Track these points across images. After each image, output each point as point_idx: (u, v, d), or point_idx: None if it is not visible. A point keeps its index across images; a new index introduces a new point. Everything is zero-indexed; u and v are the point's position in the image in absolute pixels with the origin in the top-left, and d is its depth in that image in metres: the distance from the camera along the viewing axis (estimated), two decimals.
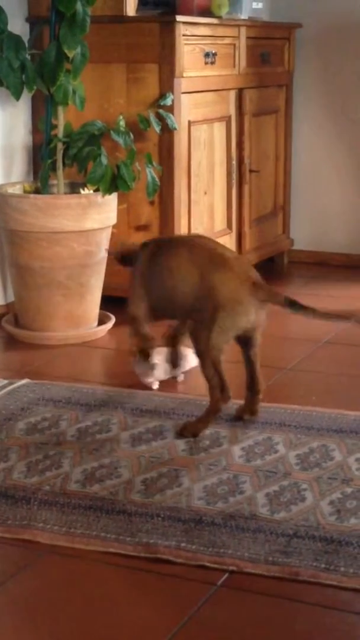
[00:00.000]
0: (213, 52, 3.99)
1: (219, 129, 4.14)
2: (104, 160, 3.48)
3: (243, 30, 4.24)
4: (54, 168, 3.61)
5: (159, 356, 2.96)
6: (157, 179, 3.65)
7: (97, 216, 3.52)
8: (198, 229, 4.01)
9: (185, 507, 2.29)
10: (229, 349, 2.69)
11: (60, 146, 3.58)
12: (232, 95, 4.23)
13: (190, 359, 3.00)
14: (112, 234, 3.69)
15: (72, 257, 3.51)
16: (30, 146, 3.97)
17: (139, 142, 3.68)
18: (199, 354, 2.66)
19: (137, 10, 3.83)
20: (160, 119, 3.68)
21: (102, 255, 3.59)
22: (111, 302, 3.81)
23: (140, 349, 2.91)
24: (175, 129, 3.73)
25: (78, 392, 3.02)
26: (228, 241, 4.28)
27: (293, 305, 2.59)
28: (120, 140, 3.54)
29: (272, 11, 4.66)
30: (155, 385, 3.07)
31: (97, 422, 2.78)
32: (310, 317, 2.63)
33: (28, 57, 3.49)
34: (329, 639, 1.84)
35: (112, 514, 2.26)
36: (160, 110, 3.69)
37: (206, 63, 3.96)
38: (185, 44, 3.78)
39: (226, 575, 2.03)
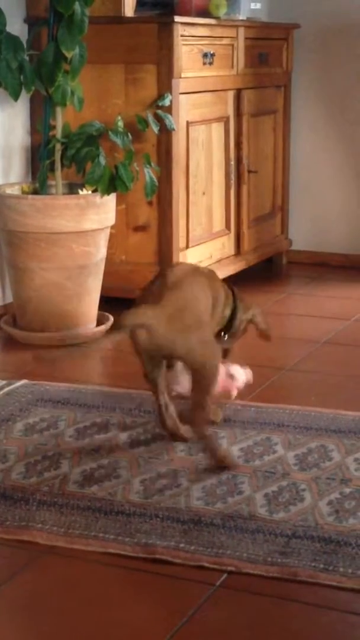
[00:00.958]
0: (211, 52, 3.99)
1: (217, 130, 4.14)
2: (103, 160, 3.48)
3: (241, 30, 4.24)
4: (52, 169, 3.61)
5: None
6: (155, 180, 3.66)
7: (96, 217, 3.52)
8: (196, 229, 4.01)
9: (184, 507, 2.28)
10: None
11: (58, 147, 3.58)
12: (231, 95, 4.23)
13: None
14: (111, 234, 3.69)
15: (71, 257, 3.51)
16: (28, 147, 3.97)
17: (137, 142, 3.68)
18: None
19: (135, 11, 3.83)
20: (159, 119, 3.68)
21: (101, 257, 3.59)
22: (109, 303, 3.81)
23: None
24: (173, 129, 3.73)
25: (76, 392, 3.02)
26: (227, 242, 4.29)
27: None
28: (119, 141, 3.54)
29: (270, 12, 4.66)
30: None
31: (95, 423, 2.78)
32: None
33: (26, 57, 3.49)
34: (327, 639, 1.84)
35: (111, 514, 2.26)
36: (159, 111, 3.69)
37: (204, 64, 3.96)
38: (184, 44, 3.78)
39: (225, 575, 2.03)
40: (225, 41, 4.13)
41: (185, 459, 2.53)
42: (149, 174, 3.63)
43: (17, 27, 3.77)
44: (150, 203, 3.83)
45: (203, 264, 3.92)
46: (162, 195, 3.80)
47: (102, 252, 3.62)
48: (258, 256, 4.57)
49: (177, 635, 1.83)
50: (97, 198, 3.52)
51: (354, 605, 1.92)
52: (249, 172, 4.40)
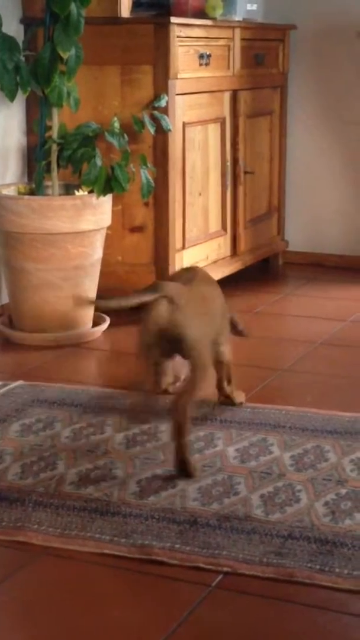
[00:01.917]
0: (207, 53, 3.99)
1: (213, 131, 4.14)
2: (99, 161, 3.48)
3: (237, 31, 4.24)
4: (48, 169, 3.61)
5: None
6: (151, 181, 3.66)
7: (92, 217, 3.52)
8: (193, 230, 4.01)
9: (179, 508, 2.28)
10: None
11: (54, 147, 3.58)
12: (227, 96, 4.23)
13: None
14: (107, 235, 3.69)
15: (67, 258, 3.51)
16: (24, 147, 3.97)
17: (133, 143, 3.68)
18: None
19: (132, 11, 3.83)
20: (155, 120, 3.68)
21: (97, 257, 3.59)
22: None
23: None
24: (169, 130, 3.73)
25: (72, 393, 3.02)
26: (223, 243, 4.29)
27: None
28: (115, 142, 3.54)
29: (266, 12, 4.66)
30: None
31: (91, 424, 2.78)
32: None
33: (22, 58, 3.49)
34: None
35: (107, 515, 2.26)
36: (155, 112, 3.69)
37: (200, 64, 3.96)
38: (180, 45, 3.78)
39: (221, 576, 2.03)
40: (221, 42, 4.13)
41: None
42: (145, 174, 3.63)
43: (13, 27, 3.77)
44: (146, 204, 3.82)
45: (199, 265, 3.93)
46: (158, 196, 3.80)
47: (98, 253, 3.61)
48: (254, 257, 4.57)
49: (173, 636, 1.83)
50: (93, 199, 3.52)
51: (349, 606, 1.92)
52: (245, 173, 4.40)
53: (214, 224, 4.22)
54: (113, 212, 3.70)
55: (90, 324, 3.68)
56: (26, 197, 3.57)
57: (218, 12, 4.14)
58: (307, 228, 4.98)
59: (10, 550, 2.14)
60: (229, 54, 4.20)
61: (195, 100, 3.97)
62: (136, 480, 2.42)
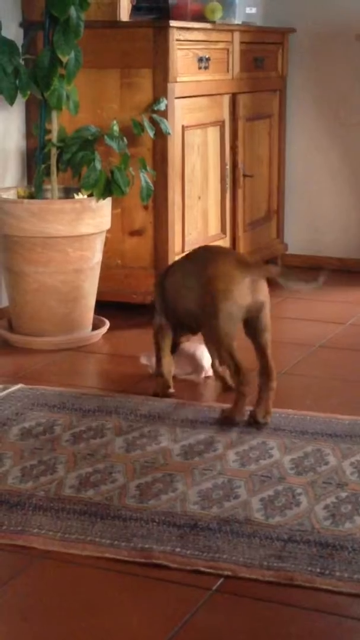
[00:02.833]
0: (207, 57, 4.00)
1: (212, 134, 4.14)
2: (98, 165, 3.48)
3: (237, 35, 4.24)
4: (48, 173, 3.61)
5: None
6: (151, 184, 3.66)
7: (91, 221, 3.52)
8: (192, 233, 4.01)
9: (180, 512, 2.28)
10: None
11: (54, 151, 3.58)
12: (226, 100, 4.23)
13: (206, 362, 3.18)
14: (107, 238, 3.69)
15: (67, 262, 3.51)
16: (24, 151, 3.97)
17: (132, 147, 3.68)
18: (214, 347, 2.80)
19: (131, 15, 3.83)
20: (154, 123, 3.68)
21: (95, 262, 3.59)
22: (105, 307, 3.81)
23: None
24: (169, 133, 3.73)
25: (72, 397, 3.02)
26: (222, 245, 4.28)
27: (287, 276, 2.82)
28: (114, 145, 3.54)
29: (265, 16, 4.67)
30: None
31: (91, 427, 2.78)
32: (303, 289, 2.92)
33: (22, 62, 3.49)
34: None
35: (107, 519, 2.26)
36: (154, 115, 3.69)
37: (200, 68, 3.97)
38: (179, 48, 3.78)
39: (221, 580, 2.03)
40: (220, 45, 4.13)
41: (181, 464, 2.53)
42: (144, 178, 3.63)
43: (12, 31, 3.77)
44: (145, 207, 3.83)
45: None
46: (157, 199, 3.81)
47: (97, 257, 3.62)
48: None
49: (173, 639, 1.83)
50: (93, 202, 3.52)
51: (350, 610, 1.93)
52: (245, 176, 4.40)
53: (214, 227, 4.22)
54: (112, 215, 3.70)
55: (90, 328, 3.68)
56: (26, 200, 3.57)
57: (217, 16, 4.14)
58: (306, 231, 4.99)
59: (11, 554, 2.14)
60: (228, 58, 4.20)
61: (195, 103, 3.97)
62: (136, 483, 2.43)
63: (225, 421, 2.79)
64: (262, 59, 4.54)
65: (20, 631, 1.88)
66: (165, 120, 3.71)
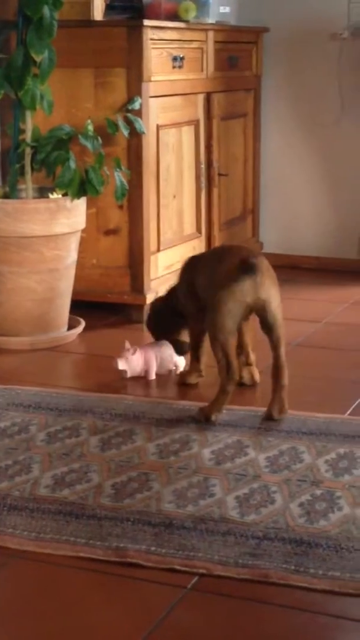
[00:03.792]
0: (181, 56, 4.00)
1: (187, 133, 4.14)
2: (73, 164, 3.48)
3: (211, 34, 4.25)
4: (22, 173, 3.60)
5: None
6: (125, 183, 3.66)
7: (66, 221, 3.52)
8: (167, 232, 4.01)
9: (155, 511, 2.28)
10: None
11: (28, 151, 3.57)
12: (201, 99, 4.24)
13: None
14: (82, 238, 3.68)
15: (41, 261, 3.50)
16: None
17: (107, 146, 3.68)
18: (210, 337, 2.82)
19: (105, 14, 3.82)
20: (129, 123, 3.68)
21: (72, 260, 3.58)
22: (81, 307, 3.81)
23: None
24: (143, 133, 3.73)
25: (48, 396, 3.01)
26: (198, 245, 4.29)
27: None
28: (89, 145, 3.54)
29: (239, 15, 4.67)
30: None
31: (66, 427, 2.77)
32: None
33: None
34: None
35: (82, 518, 2.26)
36: (129, 115, 3.69)
37: (174, 67, 3.97)
38: (153, 48, 3.78)
39: (196, 578, 2.03)
40: (194, 45, 4.13)
41: (156, 463, 2.53)
42: (119, 177, 3.63)
43: None
44: (120, 207, 3.82)
45: (174, 268, 3.93)
46: (132, 198, 3.80)
47: (72, 256, 3.61)
48: None
49: (149, 638, 1.83)
50: (68, 202, 3.51)
51: (325, 607, 1.93)
52: (220, 175, 4.41)
53: (189, 226, 4.22)
54: (87, 215, 3.69)
55: (66, 327, 3.67)
56: (0, 200, 3.56)
57: (191, 15, 4.15)
58: (281, 230, 5.00)
59: None
60: (203, 57, 4.21)
61: (169, 102, 3.97)
62: (111, 483, 2.42)
63: (203, 418, 2.80)
64: (237, 58, 4.54)
65: None
66: (139, 119, 3.71)
